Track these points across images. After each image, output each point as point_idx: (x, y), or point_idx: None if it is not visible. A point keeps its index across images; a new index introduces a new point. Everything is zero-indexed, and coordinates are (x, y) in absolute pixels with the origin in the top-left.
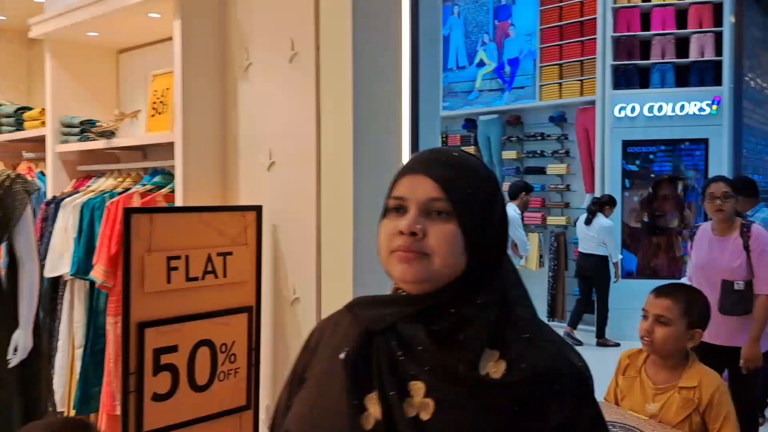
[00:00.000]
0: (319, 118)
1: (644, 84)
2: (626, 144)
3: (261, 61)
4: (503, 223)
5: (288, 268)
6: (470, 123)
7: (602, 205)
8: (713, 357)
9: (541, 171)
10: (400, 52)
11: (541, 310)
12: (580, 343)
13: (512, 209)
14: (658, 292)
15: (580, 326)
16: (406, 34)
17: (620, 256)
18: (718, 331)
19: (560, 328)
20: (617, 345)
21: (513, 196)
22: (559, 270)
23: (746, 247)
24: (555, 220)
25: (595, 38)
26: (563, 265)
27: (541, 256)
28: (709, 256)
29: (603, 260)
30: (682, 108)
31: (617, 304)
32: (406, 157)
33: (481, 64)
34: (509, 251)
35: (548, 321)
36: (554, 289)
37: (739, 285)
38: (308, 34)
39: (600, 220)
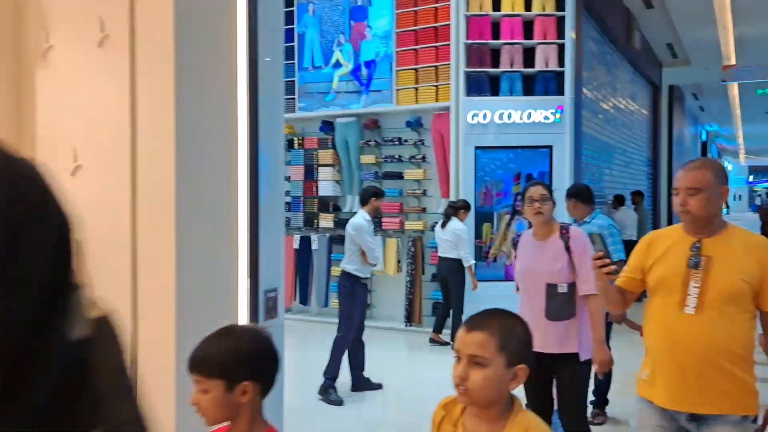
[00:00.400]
0: (134, 114)
1: (495, 91)
2: (478, 150)
3: (64, 44)
4: (54, 269)
5: (96, 296)
6: (328, 125)
7: (457, 209)
8: (541, 366)
9: (399, 176)
10: (234, 39)
11: (399, 315)
12: (448, 344)
13: (361, 216)
14: (469, 324)
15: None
16: (243, 18)
17: (472, 261)
18: (546, 338)
19: (419, 333)
20: None
21: (363, 202)
22: (417, 274)
23: (567, 249)
24: (412, 224)
25: (449, 44)
26: (420, 270)
27: (399, 261)
28: (532, 261)
29: (458, 264)
30: (529, 116)
31: (473, 307)
32: (243, 161)
33: (338, 65)
34: (358, 259)
35: (406, 326)
36: (411, 293)
37: (562, 288)
38: (121, 13)
39: (454, 224)
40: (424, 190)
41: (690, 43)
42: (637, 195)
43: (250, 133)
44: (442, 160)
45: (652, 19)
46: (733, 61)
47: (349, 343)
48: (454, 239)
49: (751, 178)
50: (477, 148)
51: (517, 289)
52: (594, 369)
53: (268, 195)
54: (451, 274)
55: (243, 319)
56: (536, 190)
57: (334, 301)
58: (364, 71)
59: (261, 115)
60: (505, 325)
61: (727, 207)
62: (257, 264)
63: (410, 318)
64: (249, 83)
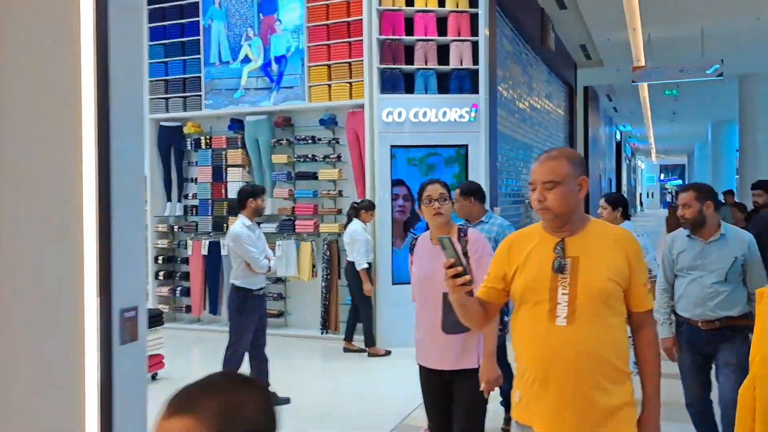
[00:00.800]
0: None
1: (409, 89)
2: (393, 149)
3: None
4: None
5: None
6: (237, 123)
7: (359, 210)
8: (439, 385)
9: (314, 176)
10: (76, 18)
11: (316, 322)
12: (364, 351)
13: (240, 223)
14: (171, 404)
15: (356, 336)
16: None
17: (365, 264)
18: (444, 353)
19: (336, 340)
20: (389, 353)
21: (241, 205)
22: (333, 279)
23: (465, 253)
24: (328, 227)
25: (362, 40)
26: (336, 274)
27: (314, 266)
28: (429, 267)
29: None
30: (444, 114)
31: (391, 310)
32: (88, 159)
33: (247, 60)
34: (245, 272)
35: (322, 334)
36: (327, 299)
37: None
38: None
39: (352, 225)
40: (340, 191)
41: (602, 45)
42: None
43: (98, 129)
44: (357, 159)
45: (566, 19)
46: (642, 63)
47: (242, 360)
48: (350, 241)
49: (662, 177)
50: (393, 146)
51: (414, 298)
52: (481, 387)
53: (124, 197)
54: (352, 278)
55: (92, 343)
56: (434, 189)
57: None
58: (274, 67)
59: (113, 94)
60: (225, 404)
61: (641, 204)
62: (110, 278)
63: (326, 325)
64: (96, 66)
